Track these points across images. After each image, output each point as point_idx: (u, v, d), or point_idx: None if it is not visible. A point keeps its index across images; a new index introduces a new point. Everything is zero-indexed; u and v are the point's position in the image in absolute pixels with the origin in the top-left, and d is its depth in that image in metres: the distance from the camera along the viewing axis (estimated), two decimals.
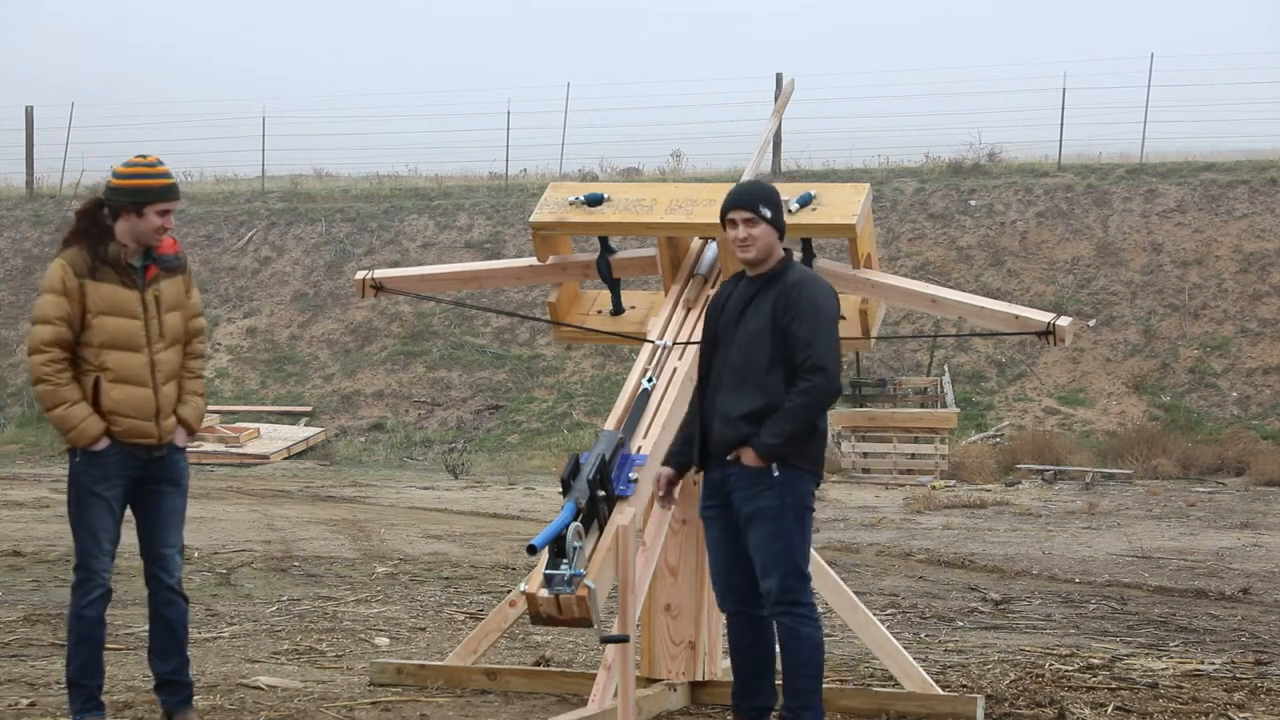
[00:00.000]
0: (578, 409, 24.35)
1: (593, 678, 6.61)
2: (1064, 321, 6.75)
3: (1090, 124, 34.41)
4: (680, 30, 76.08)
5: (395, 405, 25.12)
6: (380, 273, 7.67)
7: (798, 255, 6.72)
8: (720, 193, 7.17)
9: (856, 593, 7.87)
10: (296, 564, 11.61)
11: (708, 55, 65.49)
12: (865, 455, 20.71)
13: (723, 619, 6.99)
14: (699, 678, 6.94)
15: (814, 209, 7.11)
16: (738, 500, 5.95)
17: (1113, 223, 26.06)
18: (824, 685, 6.08)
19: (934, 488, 19.19)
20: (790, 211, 6.82)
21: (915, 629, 9.32)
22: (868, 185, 7.40)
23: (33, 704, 6.72)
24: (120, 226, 5.97)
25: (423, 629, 8.95)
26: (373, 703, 6.90)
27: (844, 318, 6.59)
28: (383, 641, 8.49)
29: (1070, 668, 7.98)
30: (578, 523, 5.77)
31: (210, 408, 21.42)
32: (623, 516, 5.93)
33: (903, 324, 23.98)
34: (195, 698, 6.28)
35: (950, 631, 9.29)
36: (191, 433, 6.14)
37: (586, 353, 25.21)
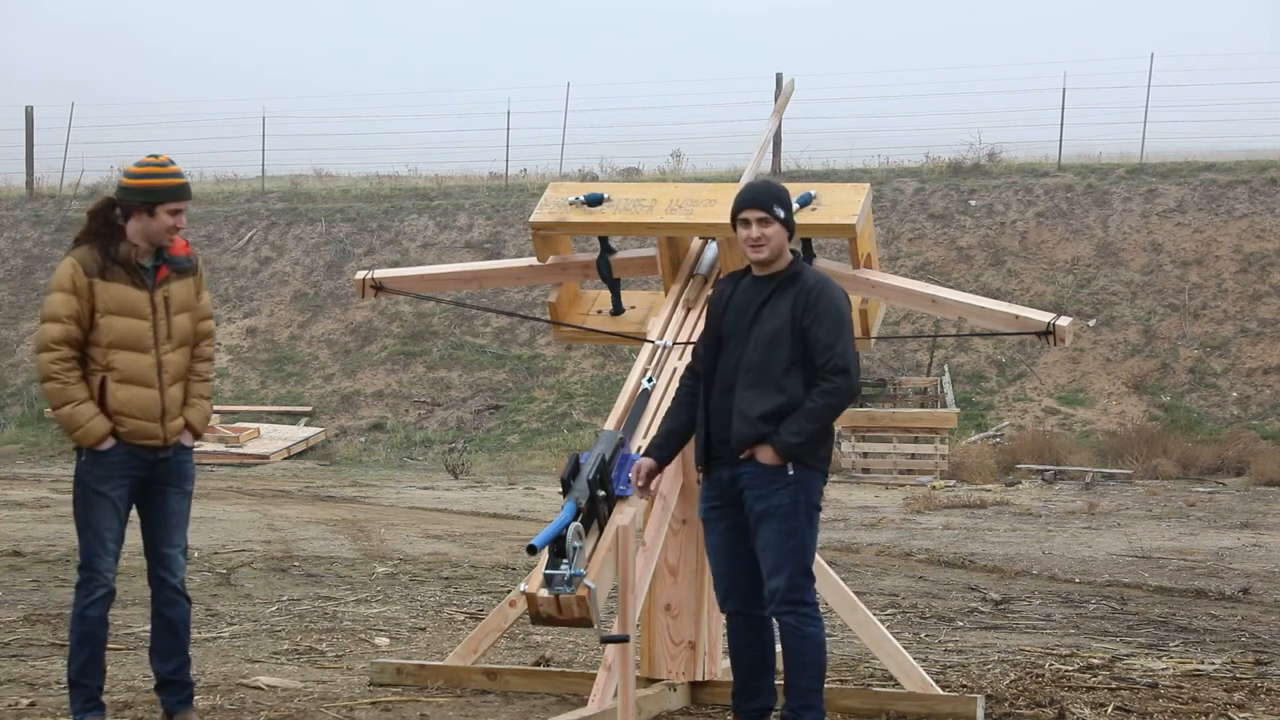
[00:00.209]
0: (578, 409, 24.36)
1: (593, 678, 6.61)
2: (1064, 321, 6.75)
3: (1090, 124, 34.49)
4: (680, 30, 76.12)
5: (395, 405, 25.12)
6: (380, 273, 7.68)
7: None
8: (720, 193, 7.19)
9: (856, 593, 7.88)
10: (296, 564, 11.61)
11: (708, 55, 65.52)
12: (865, 455, 20.72)
13: (723, 619, 7.00)
14: (699, 678, 6.94)
15: (814, 209, 7.12)
16: (750, 498, 5.94)
17: (1113, 223, 26.06)
18: (825, 685, 6.08)
19: (934, 488, 19.19)
20: None
21: (915, 629, 9.32)
22: (868, 185, 7.41)
23: (33, 704, 6.72)
24: (132, 226, 5.98)
25: (423, 629, 8.95)
26: (373, 703, 6.90)
27: None
28: (383, 641, 8.49)
29: (1070, 668, 7.98)
30: (578, 523, 5.77)
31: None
32: (623, 516, 5.93)
33: (903, 324, 23.98)
34: (195, 698, 6.29)
35: (950, 631, 9.29)
36: (197, 436, 6.15)
37: (586, 353, 25.22)
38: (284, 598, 9.96)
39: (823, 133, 30.23)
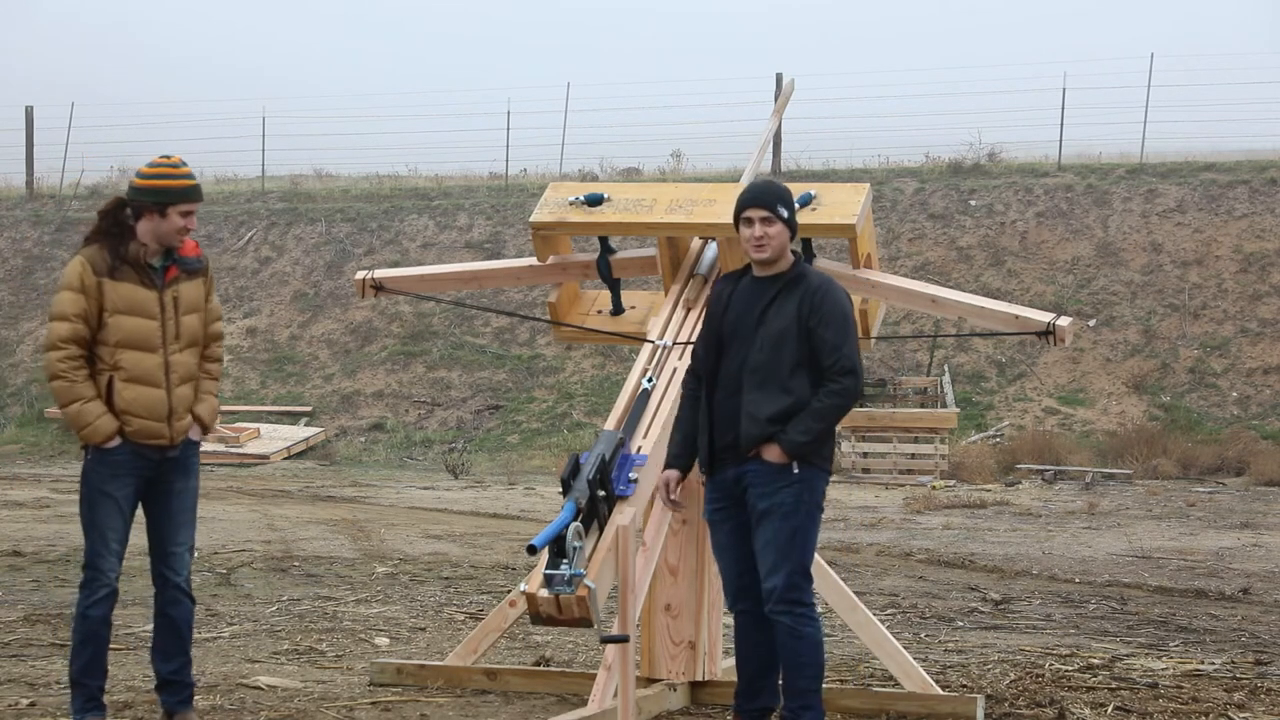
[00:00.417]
0: (578, 409, 24.36)
1: (593, 678, 6.61)
2: (1064, 321, 6.76)
3: (1090, 124, 34.48)
4: (680, 30, 76.13)
5: (395, 405, 25.12)
6: (380, 273, 7.68)
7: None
8: (720, 193, 7.19)
9: (856, 593, 7.88)
10: (296, 564, 11.61)
11: (708, 55, 65.53)
12: (865, 455, 20.72)
13: (723, 619, 7.00)
14: (699, 678, 6.94)
15: (814, 209, 7.12)
16: (754, 496, 5.94)
17: (1113, 223, 26.06)
18: (824, 685, 6.08)
19: (934, 488, 19.19)
20: None
21: (915, 629, 9.32)
22: (868, 185, 7.41)
23: (33, 704, 6.72)
24: (142, 226, 5.99)
25: (423, 629, 8.95)
26: (373, 703, 6.90)
27: None
28: (383, 641, 8.49)
29: (1070, 668, 7.98)
30: (578, 523, 5.77)
31: None
32: (623, 516, 5.93)
33: (903, 324, 23.98)
34: (195, 698, 6.29)
35: (950, 631, 9.29)
36: (206, 430, 6.16)
37: (586, 353, 25.22)
38: (284, 598, 9.96)
39: (823, 133, 30.26)
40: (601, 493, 5.95)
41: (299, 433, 24.01)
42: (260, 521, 14.60)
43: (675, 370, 6.63)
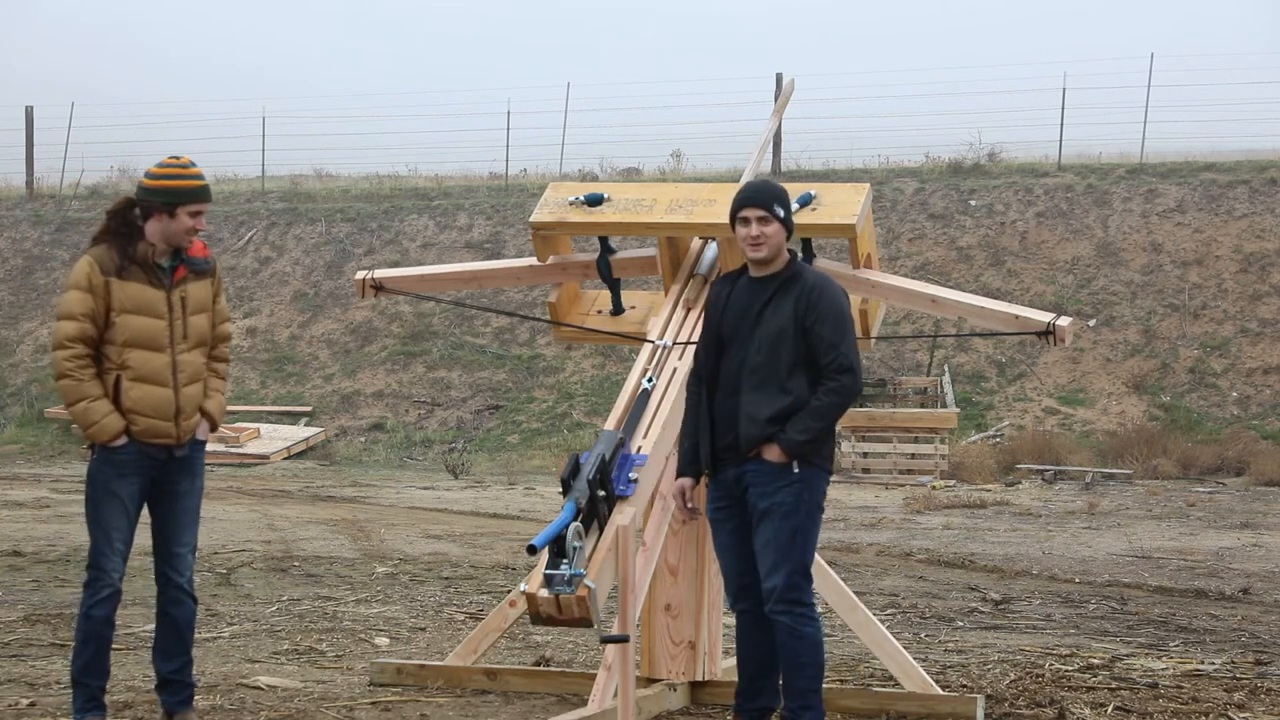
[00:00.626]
0: (578, 409, 24.36)
1: (593, 678, 6.61)
2: (1064, 321, 6.76)
3: (1090, 124, 34.49)
4: (680, 30, 76.14)
5: (395, 405, 25.12)
6: (380, 273, 7.68)
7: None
8: (720, 193, 7.19)
9: (856, 593, 7.88)
10: (296, 564, 11.61)
11: (708, 55, 65.54)
12: (865, 455, 20.72)
13: (723, 619, 7.00)
14: (699, 678, 6.94)
15: (814, 209, 7.12)
16: (754, 496, 5.95)
17: (1113, 223, 26.06)
18: (824, 685, 6.08)
19: (934, 488, 19.19)
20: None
21: (915, 629, 9.32)
22: (868, 185, 7.41)
23: (33, 704, 6.72)
24: (151, 227, 5.99)
25: (423, 629, 8.95)
26: (373, 703, 6.90)
27: None
28: (383, 641, 8.49)
29: (1070, 668, 7.98)
30: (578, 523, 5.77)
31: None
32: (623, 516, 5.92)
33: (903, 324, 23.99)
34: (195, 698, 6.29)
35: (950, 631, 9.29)
36: (214, 427, 6.17)
37: (586, 353, 25.22)
38: (284, 598, 9.96)
39: (823, 133, 30.26)
40: (601, 493, 5.95)
41: (299, 433, 24.01)
42: (260, 521, 14.61)
43: (675, 370, 6.63)
